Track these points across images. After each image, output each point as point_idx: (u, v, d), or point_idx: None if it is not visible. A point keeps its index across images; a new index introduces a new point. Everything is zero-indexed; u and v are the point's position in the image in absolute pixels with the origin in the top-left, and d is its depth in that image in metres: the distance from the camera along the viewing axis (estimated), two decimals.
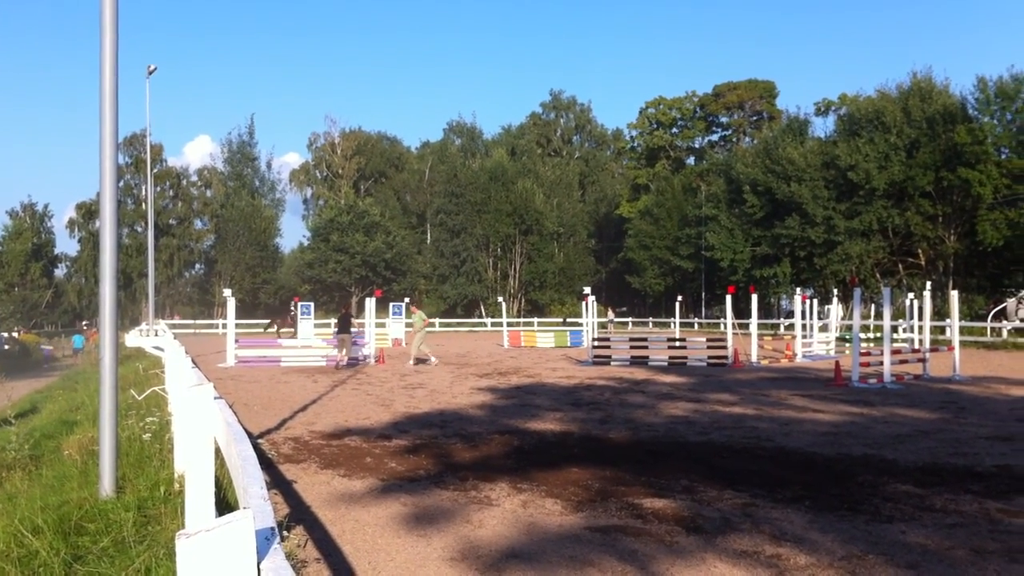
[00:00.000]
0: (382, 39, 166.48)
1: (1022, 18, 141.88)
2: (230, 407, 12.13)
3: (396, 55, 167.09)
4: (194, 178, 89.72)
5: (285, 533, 6.57)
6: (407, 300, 41.30)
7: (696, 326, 65.60)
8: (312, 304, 43.48)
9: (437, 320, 72.40)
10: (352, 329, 28.17)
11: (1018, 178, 47.43)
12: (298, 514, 7.54)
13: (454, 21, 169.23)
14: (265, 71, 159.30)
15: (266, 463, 9.93)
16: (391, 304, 45.05)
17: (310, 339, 34.43)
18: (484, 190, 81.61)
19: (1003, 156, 49.45)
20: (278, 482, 8.99)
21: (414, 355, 28.20)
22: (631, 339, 32.44)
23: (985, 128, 49.47)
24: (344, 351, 27.23)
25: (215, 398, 5.59)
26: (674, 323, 55.82)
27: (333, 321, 37.40)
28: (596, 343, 29.48)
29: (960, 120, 50.08)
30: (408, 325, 29.60)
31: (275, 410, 15.38)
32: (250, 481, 3.87)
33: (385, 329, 41.82)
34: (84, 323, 62.28)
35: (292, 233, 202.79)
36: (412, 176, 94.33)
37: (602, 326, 54.73)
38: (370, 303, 29.69)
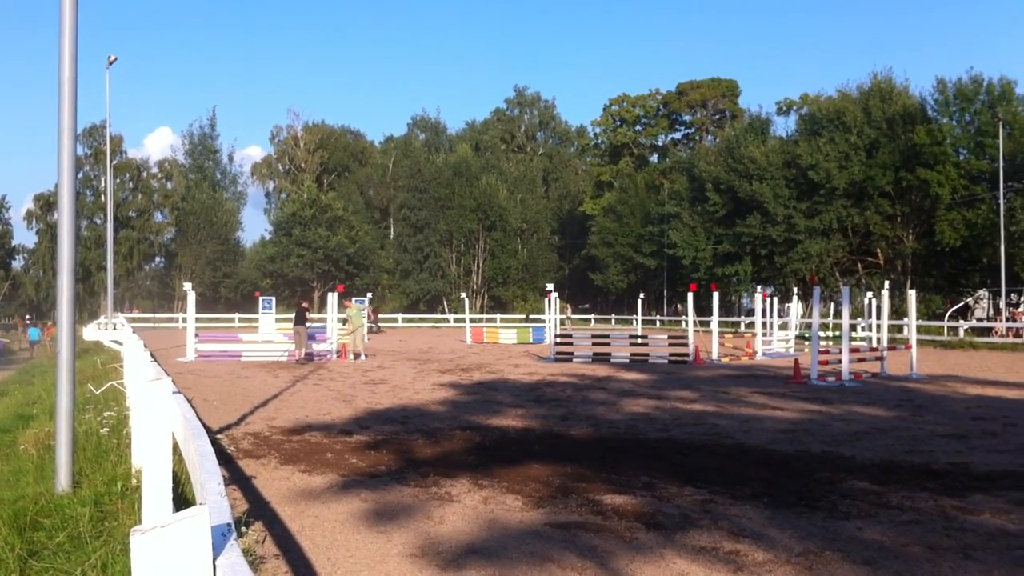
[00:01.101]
0: (346, 32, 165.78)
1: (981, 21, 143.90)
2: (189, 402, 12.04)
3: (360, 49, 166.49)
4: (155, 170, 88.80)
5: (244, 529, 6.53)
6: (370, 295, 41.17)
7: (658, 323, 65.90)
8: (273, 299, 43.23)
9: (400, 316, 72.20)
10: (307, 323, 28.08)
11: (976, 179, 48.07)
12: (257, 510, 7.49)
13: (418, 15, 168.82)
14: (227, 63, 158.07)
15: (225, 459, 9.86)
16: (354, 299, 44.88)
17: (271, 334, 34.17)
18: (448, 185, 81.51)
19: (961, 157, 50.04)
20: (237, 478, 8.93)
21: (359, 349, 28.13)
22: (593, 336, 32.52)
23: (944, 129, 50.05)
24: (300, 344, 27.18)
25: (173, 392, 5.54)
26: (636, 320, 56.13)
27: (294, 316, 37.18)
28: (559, 340, 29.53)
29: (919, 121, 50.63)
30: (343, 321, 29.47)
31: (235, 405, 15.28)
32: (207, 477, 3.84)
33: (347, 324, 41.58)
34: (27, 317, 61.19)
35: (254, 227, 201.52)
36: (375, 171, 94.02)
37: (560, 323, 54.93)
38: (332, 298, 29.55)
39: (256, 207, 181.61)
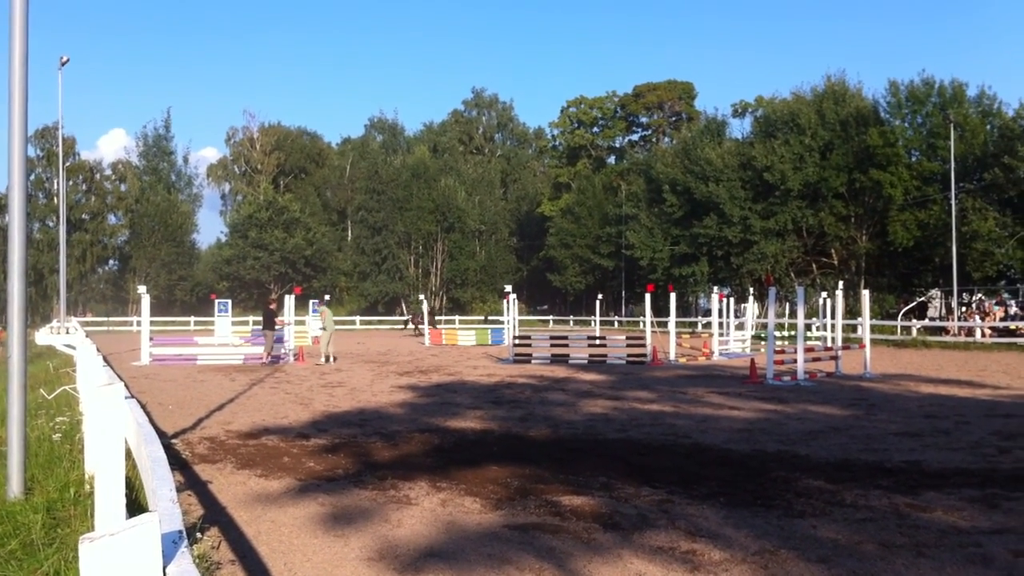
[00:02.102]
0: (303, 33, 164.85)
1: (934, 23, 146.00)
2: (143, 407, 11.92)
3: (317, 50, 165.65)
4: (108, 172, 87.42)
5: (199, 535, 6.46)
6: (327, 297, 40.94)
7: (616, 324, 66.22)
8: (229, 302, 42.85)
9: (358, 318, 71.92)
10: (276, 326, 27.96)
11: (928, 180, 48.73)
12: (213, 515, 7.41)
13: (376, 16, 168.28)
14: (182, 64, 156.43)
15: (180, 464, 9.76)
16: (311, 301, 44.62)
17: (227, 337, 33.87)
18: (406, 187, 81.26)
19: (913, 159, 50.72)
20: (193, 483, 8.83)
21: (326, 352, 28.00)
22: (552, 337, 32.57)
23: (896, 131, 50.71)
24: (269, 347, 27.04)
25: (126, 397, 5.47)
26: (594, 321, 56.31)
27: (253, 319, 36.96)
28: (517, 341, 29.55)
29: (872, 123, 51.26)
30: (322, 329, 29.36)
31: (190, 409, 15.11)
32: (159, 483, 3.79)
33: (305, 327, 41.41)
34: None
35: (209, 229, 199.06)
36: (333, 172, 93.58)
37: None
38: (289, 300, 29.35)
39: (212, 209, 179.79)
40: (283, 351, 28.45)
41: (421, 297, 32.35)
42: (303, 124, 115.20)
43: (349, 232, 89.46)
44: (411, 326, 46.79)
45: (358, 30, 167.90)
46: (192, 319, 67.53)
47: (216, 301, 40.57)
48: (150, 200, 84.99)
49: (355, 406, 15.68)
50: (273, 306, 29.00)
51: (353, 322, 70.62)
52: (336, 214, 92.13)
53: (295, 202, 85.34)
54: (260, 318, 32.87)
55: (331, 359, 27.78)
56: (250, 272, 79.79)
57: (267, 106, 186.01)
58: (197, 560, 5.62)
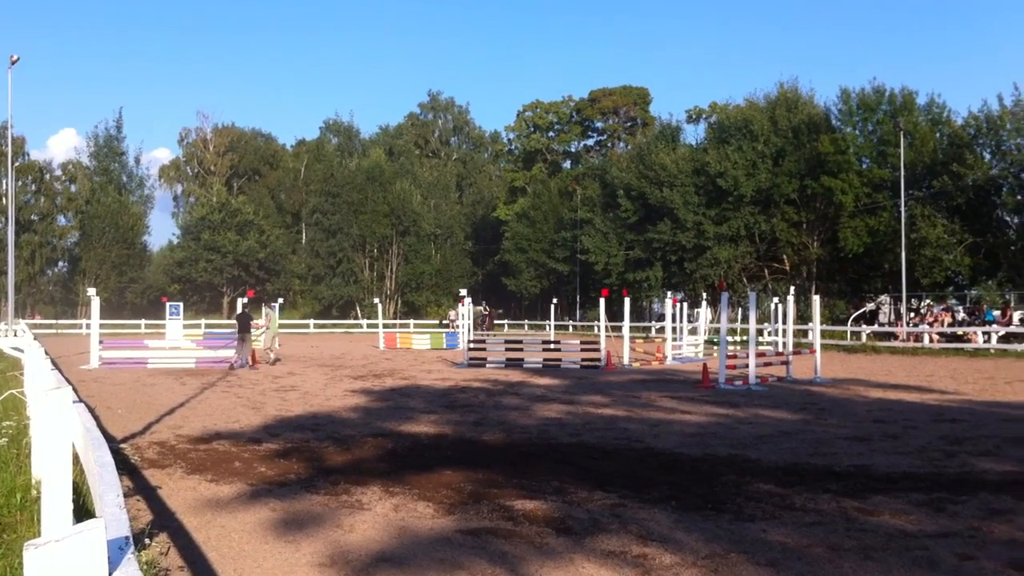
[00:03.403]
0: (257, 33, 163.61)
1: (885, 32, 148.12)
2: (91, 411, 11.76)
3: (271, 50, 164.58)
4: (58, 172, 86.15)
5: (147, 541, 6.38)
6: (280, 300, 40.61)
7: (571, 328, 66.43)
8: (181, 304, 42.36)
9: (312, 321, 71.51)
10: (254, 330, 27.87)
11: (878, 187, 49.38)
12: (162, 521, 7.32)
13: (331, 17, 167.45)
14: (134, 64, 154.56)
15: (130, 469, 9.64)
16: (263, 306, 44.32)
17: (178, 340, 33.51)
18: (361, 190, 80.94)
19: (864, 166, 51.36)
20: (141, 488, 8.72)
21: (271, 348, 27.80)
22: (507, 341, 32.62)
23: (847, 138, 51.35)
24: (242, 351, 26.89)
25: (74, 402, 5.40)
26: (549, 325, 56.31)
27: (206, 322, 36.55)
28: (472, 345, 29.54)
29: (824, 130, 51.87)
30: (267, 328, 29.24)
31: (140, 413, 14.92)
32: (106, 489, 3.75)
33: (258, 331, 41.06)
34: None
35: (161, 231, 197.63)
36: (287, 174, 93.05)
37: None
38: (242, 303, 29.11)
39: (164, 211, 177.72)
40: (232, 355, 28.22)
41: (463, 291, 32.15)
42: (257, 125, 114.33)
43: (303, 235, 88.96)
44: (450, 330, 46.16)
45: (313, 31, 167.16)
46: (143, 322, 66.71)
47: (167, 304, 40.01)
48: (101, 201, 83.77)
49: (308, 410, 15.58)
50: (247, 309, 28.96)
51: (307, 325, 70.20)
52: (290, 216, 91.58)
53: (248, 204, 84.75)
54: (213, 320, 32.57)
55: (272, 359, 27.66)
56: (202, 275, 79.08)
57: (221, 107, 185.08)
58: (145, 567, 5.57)
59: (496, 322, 70.67)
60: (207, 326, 59.73)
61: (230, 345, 28.80)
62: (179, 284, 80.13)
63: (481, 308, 45.64)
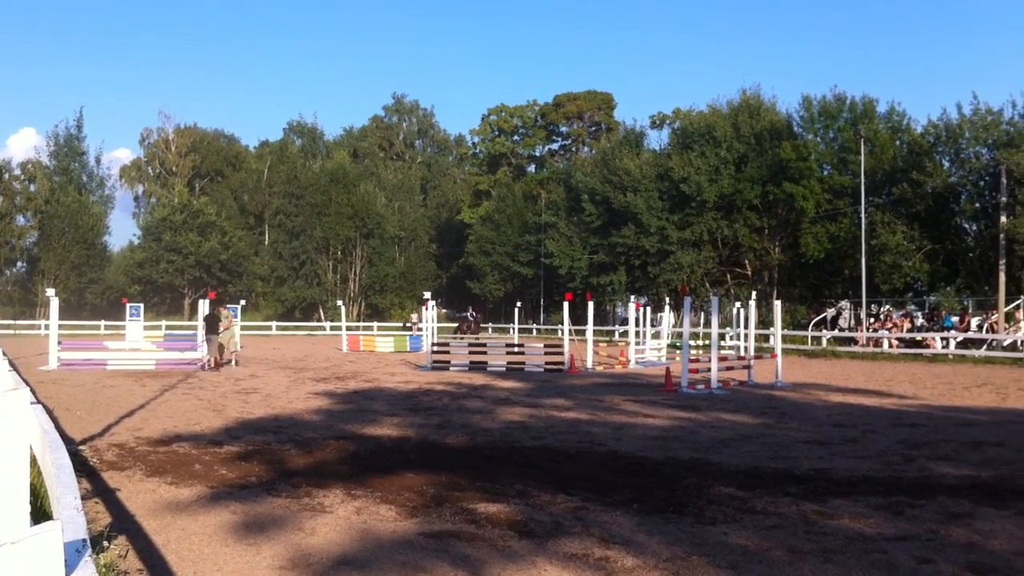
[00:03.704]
0: (220, 34, 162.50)
1: (846, 40, 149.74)
2: (49, 413, 11.61)
3: (235, 51, 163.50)
4: (17, 172, 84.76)
5: (106, 544, 6.30)
6: (242, 302, 40.32)
7: (535, 332, 66.51)
8: (141, 306, 41.93)
9: (274, 324, 71.11)
10: (221, 330, 27.64)
11: (839, 194, 49.81)
12: (121, 523, 7.24)
13: (295, 18, 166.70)
14: (95, 63, 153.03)
15: (88, 471, 9.53)
16: (227, 306, 44.01)
17: (138, 342, 33.19)
18: (325, 192, 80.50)
19: (825, 172, 51.77)
20: (100, 490, 8.62)
21: (232, 349, 27.65)
22: (470, 344, 32.59)
23: (809, 145, 51.74)
24: (211, 352, 26.71)
25: (32, 403, 5.33)
26: (513, 329, 56.38)
27: (167, 324, 36.24)
28: (435, 348, 29.49)
29: (786, 137, 52.26)
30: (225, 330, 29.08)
31: (99, 415, 14.75)
32: (64, 491, 3.70)
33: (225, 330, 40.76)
34: None
35: (122, 232, 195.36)
36: (250, 176, 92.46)
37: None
38: (203, 305, 28.88)
39: (124, 211, 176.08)
40: (194, 357, 28.00)
41: (427, 294, 31.98)
42: (220, 126, 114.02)
43: (266, 236, 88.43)
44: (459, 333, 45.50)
45: (277, 32, 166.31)
46: (103, 323, 66.06)
47: (128, 305, 39.56)
48: (60, 201, 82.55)
49: (270, 413, 15.48)
50: (215, 310, 28.78)
51: (269, 328, 69.79)
52: (253, 218, 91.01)
53: (211, 205, 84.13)
54: (173, 322, 32.31)
55: (233, 362, 27.52)
56: (163, 276, 78.40)
57: (183, 107, 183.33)
58: (103, 569, 5.50)
59: (453, 325, 70.60)
60: (168, 328, 59.19)
61: (192, 347, 28.60)
62: (139, 285, 79.33)
63: (467, 314, 45.38)
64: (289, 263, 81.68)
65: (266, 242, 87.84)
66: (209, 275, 78.99)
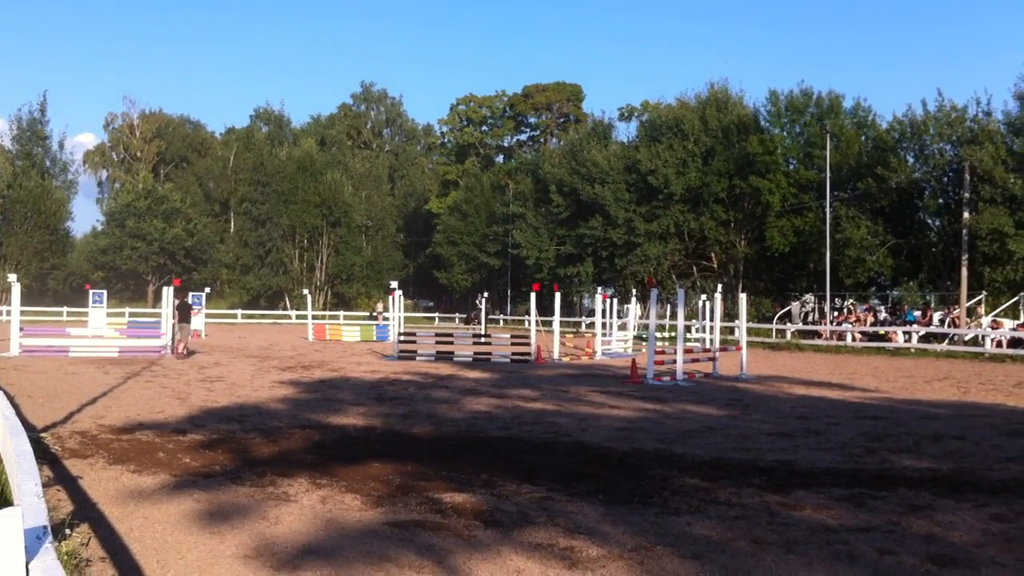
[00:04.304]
0: (186, 18, 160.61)
1: (814, 35, 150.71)
2: (10, 399, 11.49)
3: (201, 36, 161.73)
4: None
5: (68, 531, 6.24)
6: (207, 290, 39.98)
7: (501, 322, 66.53)
8: (105, 292, 41.49)
9: (239, 311, 70.66)
10: (192, 317, 27.58)
11: (804, 188, 50.15)
12: (83, 511, 7.17)
13: (263, 4, 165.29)
14: (59, 46, 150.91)
15: (50, 458, 9.43)
16: (191, 294, 43.68)
17: (101, 329, 32.85)
18: (291, 180, 79.93)
19: (791, 167, 52.12)
20: (63, 478, 8.54)
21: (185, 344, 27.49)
22: (437, 334, 32.56)
23: (775, 139, 52.02)
24: (183, 340, 26.71)
25: None
26: (480, 319, 56.34)
27: (130, 311, 35.92)
28: (402, 338, 29.43)
29: (753, 131, 52.49)
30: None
31: (62, 402, 14.60)
32: (25, 477, 3.66)
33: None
34: None
35: (85, 217, 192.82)
36: (216, 162, 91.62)
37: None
38: (167, 293, 28.63)
39: (88, 197, 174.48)
40: (157, 344, 27.78)
41: (394, 283, 31.66)
42: (185, 112, 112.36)
43: (232, 224, 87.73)
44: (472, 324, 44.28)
45: (244, 17, 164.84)
46: (65, 310, 65.30)
47: (91, 291, 39.06)
48: (23, 186, 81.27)
49: (234, 401, 15.40)
50: (186, 298, 28.74)
51: (235, 316, 69.33)
52: (218, 205, 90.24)
53: (175, 192, 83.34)
54: (137, 309, 32.07)
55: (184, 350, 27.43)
56: (127, 262, 77.61)
57: (148, 92, 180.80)
58: (65, 557, 5.44)
59: (425, 315, 70.50)
60: (131, 315, 58.62)
61: (155, 334, 28.41)
62: (103, 272, 78.46)
63: (479, 301, 45.05)
64: (255, 251, 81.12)
65: (231, 229, 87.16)
66: (173, 262, 78.30)
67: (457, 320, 71.15)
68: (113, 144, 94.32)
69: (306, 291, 53.65)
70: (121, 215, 78.65)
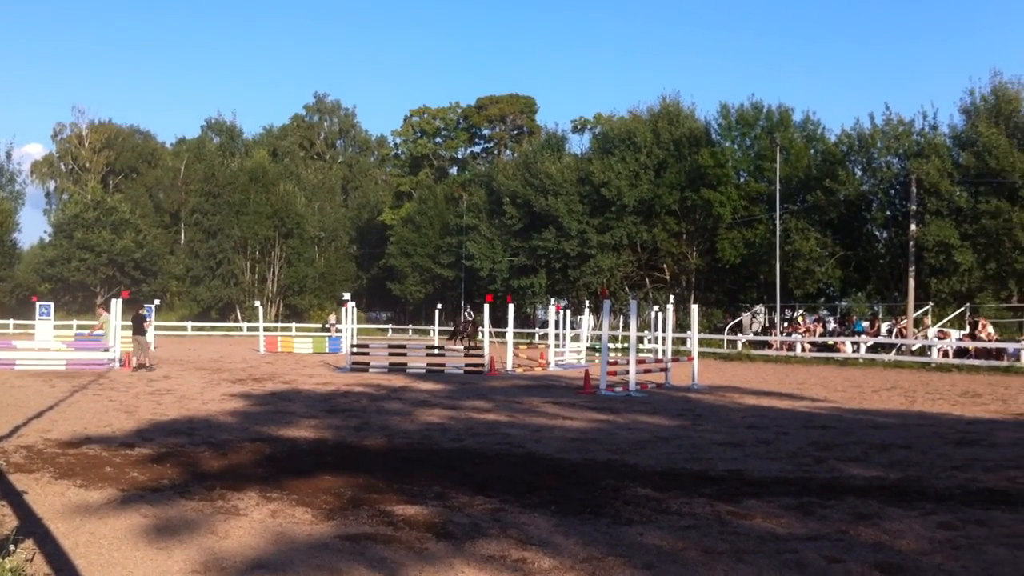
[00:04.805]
0: (136, 27, 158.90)
1: (763, 49, 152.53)
2: None
3: (152, 45, 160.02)
4: None
5: (12, 547, 6.13)
6: (157, 302, 39.48)
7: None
8: (52, 304, 40.85)
9: (189, 324, 69.91)
10: (147, 330, 27.32)
11: (755, 200, 50.68)
12: (28, 527, 7.05)
13: (214, 13, 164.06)
14: (5, 55, 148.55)
15: None
16: (147, 306, 43.16)
17: (48, 341, 32.36)
18: (243, 191, 79.35)
19: (742, 179, 52.65)
20: (7, 493, 8.39)
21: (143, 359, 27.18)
22: (390, 346, 32.43)
23: (726, 152, 52.53)
24: (138, 352, 26.46)
25: None
26: (434, 330, 56.25)
27: (77, 323, 35.38)
28: (355, 350, 29.28)
29: (704, 144, 52.98)
30: (101, 329, 28.72)
31: (6, 416, 14.34)
32: None
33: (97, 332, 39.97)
34: None
35: (32, 228, 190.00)
36: (166, 173, 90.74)
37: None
38: (116, 305, 28.26)
39: (35, 208, 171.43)
40: (104, 357, 27.44)
41: (347, 295, 31.35)
42: (135, 122, 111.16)
43: (182, 235, 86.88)
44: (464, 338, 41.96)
45: (195, 27, 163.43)
46: (11, 322, 64.26)
47: (38, 304, 38.46)
48: None
49: (183, 414, 15.22)
50: (143, 311, 28.46)
51: (185, 328, 68.61)
52: (168, 216, 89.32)
53: (125, 203, 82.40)
54: (85, 321, 31.64)
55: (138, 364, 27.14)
56: (75, 274, 76.54)
57: (97, 102, 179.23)
58: (9, 573, 5.36)
59: (378, 327, 70.18)
60: (79, 327, 57.76)
61: (103, 347, 28.08)
62: (50, 283, 77.32)
63: (466, 314, 44.72)
64: (205, 262, 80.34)
65: (182, 241, 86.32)
66: (122, 274, 77.35)
67: (411, 332, 70.86)
68: (61, 154, 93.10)
69: (258, 303, 53.27)
70: (69, 226, 77.61)
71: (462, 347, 32.34)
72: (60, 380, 22.33)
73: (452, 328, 44.02)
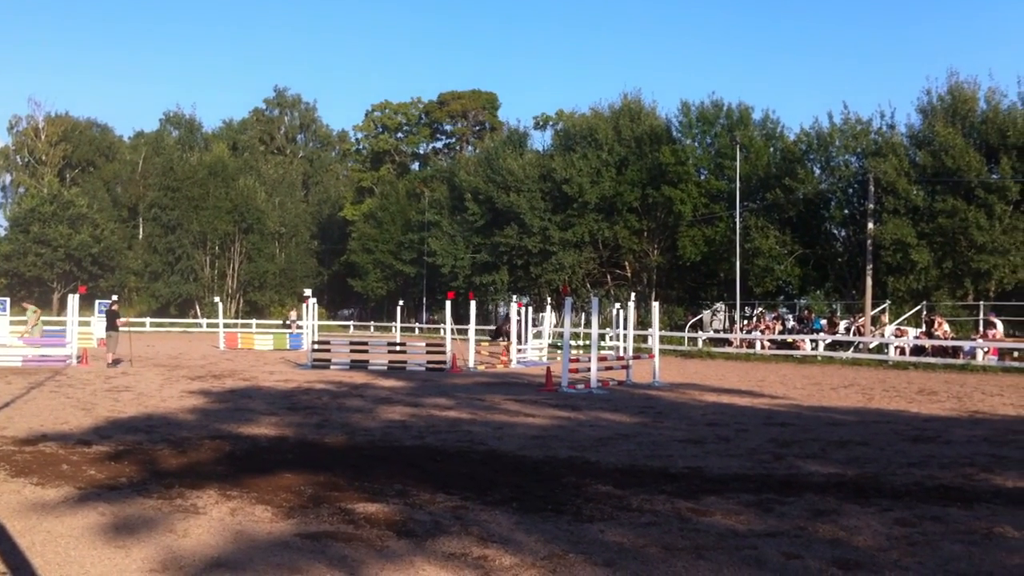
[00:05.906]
0: (95, 18, 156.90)
1: (723, 48, 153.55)
2: None
3: (110, 37, 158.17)
4: None
5: None
6: (114, 297, 39.03)
7: (417, 331, 66.31)
8: (8, 300, 40.35)
9: (148, 319, 69.21)
10: (120, 328, 27.19)
11: (715, 198, 50.94)
12: None
13: (174, 5, 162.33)
14: None
15: None
16: (97, 301, 42.69)
17: (4, 337, 31.93)
18: (202, 185, 78.70)
19: (702, 177, 52.89)
20: None
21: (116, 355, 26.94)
22: (351, 343, 32.30)
23: (687, 150, 52.73)
24: (111, 348, 26.46)
25: None
26: (395, 327, 56.13)
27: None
28: (316, 346, 29.14)
29: (665, 141, 53.17)
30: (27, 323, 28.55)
31: None
32: None
33: (89, 328, 39.55)
34: None
35: None
36: (124, 167, 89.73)
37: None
38: (73, 300, 27.92)
39: None
40: (61, 354, 27.14)
41: (308, 291, 31.00)
42: (93, 115, 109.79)
43: (140, 230, 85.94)
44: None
45: (155, 18, 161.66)
46: None
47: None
48: None
49: (142, 411, 15.08)
50: (116, 307, 28.36)
51: (143, 324, 67.92)
52: (127, 211, 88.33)
53: (82, 197, 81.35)
54: (42, 317, 31.30)
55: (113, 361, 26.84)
56: (31, 269, 75.50)
57: (54, 95, 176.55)
58: None
59: (340, 323, 69.82)
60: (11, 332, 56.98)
61: (60, 343, 27.83)
62: (5, 278, 76.25)
63: (507, 315, 44.26)
64: (164, 258, 79.58)
65: (140, 236, 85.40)
66: (80, 269, 76.41)
67: (372, 329, 70.60)
68: (17, 147, 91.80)
69: (217, 299, 52.79)
70: (25, 220, 76.58)
71: (504, 347, 32.06)
72: (16, 377, 22.03)
73: (495, 329, 43.33)
